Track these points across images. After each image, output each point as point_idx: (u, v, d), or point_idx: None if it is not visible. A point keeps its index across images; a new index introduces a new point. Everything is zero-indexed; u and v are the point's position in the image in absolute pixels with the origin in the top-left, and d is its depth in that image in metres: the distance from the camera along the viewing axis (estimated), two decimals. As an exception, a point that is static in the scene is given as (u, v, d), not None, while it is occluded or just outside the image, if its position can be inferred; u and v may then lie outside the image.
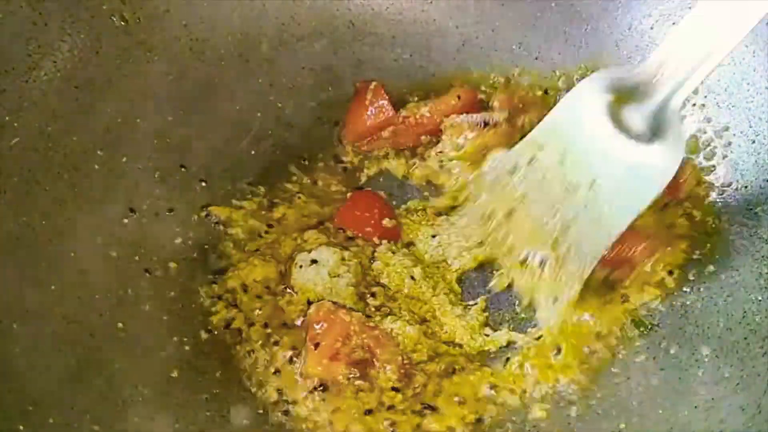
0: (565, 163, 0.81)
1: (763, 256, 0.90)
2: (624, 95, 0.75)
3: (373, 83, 1.04)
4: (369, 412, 0.85)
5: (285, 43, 1.06)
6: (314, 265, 0.93)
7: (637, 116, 0.75)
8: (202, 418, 0.85)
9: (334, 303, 0.89)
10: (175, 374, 0.88)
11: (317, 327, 0.87)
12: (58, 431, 0.78)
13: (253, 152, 1.05)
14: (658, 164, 0.76)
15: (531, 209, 0.85)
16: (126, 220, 0.94)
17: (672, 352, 0.88)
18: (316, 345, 0.86)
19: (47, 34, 0.92)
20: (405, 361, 0.87)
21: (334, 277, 0.92)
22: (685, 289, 0.92)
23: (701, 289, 0.92)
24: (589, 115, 0.76)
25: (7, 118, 0.88)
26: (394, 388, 0.86)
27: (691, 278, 0.93)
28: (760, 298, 0.87)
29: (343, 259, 0.94)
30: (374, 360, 0.87)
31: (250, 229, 0.99)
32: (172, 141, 1.00)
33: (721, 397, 0.82)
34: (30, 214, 0.88)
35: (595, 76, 0.78)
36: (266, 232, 0.99)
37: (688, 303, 0.91)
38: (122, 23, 0.97)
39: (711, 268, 0.92)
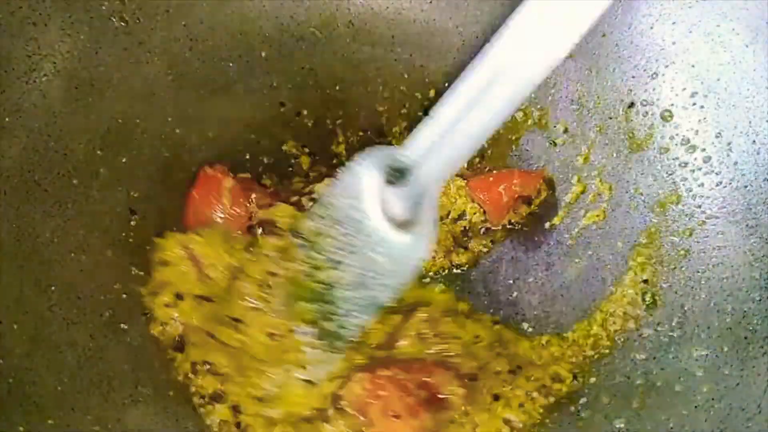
0: (340, 237, 0.84)
1: (763, 256, 0.90)
2: (393, 174, 0.79)
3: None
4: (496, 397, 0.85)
5: (285, 43, 1.06)
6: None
7: (400, 198, 0.78)
8: (201, 418, 0.85)
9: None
10: (175, 374, 0.88)
11: (377, 399, 0.83)
12: (58, 431, 0.78)
13: (254, 152, 1.05)
14: (407, 254, 0.81)
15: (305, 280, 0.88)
16: (126, 221, 0.94)
17: (672, 351, 0.88)
18: (397, 416, 0.83)
19: (47, 34, 0.92)
20: (461, 372, 0.87)
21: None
22: (685, 289, 0.93)
23: (701, 289, 0.92)
24: (362, 192, 0.80)
25: (7, 119, 0.88)
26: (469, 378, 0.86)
27: (691, 279, 0.93)
28: (759, 297, 0.87)
29: None
30: (437, 390, 0.85)
31: None
32: (172, 141, 1.00)
33: (721, 397, 0.82)
34: (30, 214, 0.88)
35: (371, 152, 0.80)
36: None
37: (687, 303, 0.92)
38: (122, 23, 0.97)
39: (710, 268, 0.92)
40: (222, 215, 0.97)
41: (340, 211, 0.82)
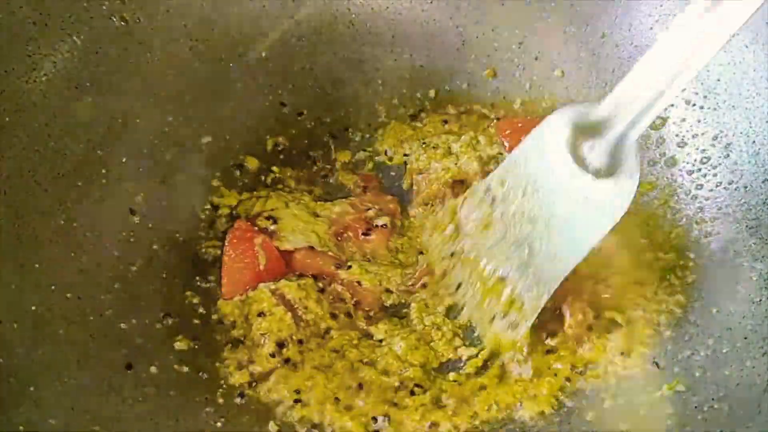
0: (527, 196, 0.85)
1: (763, 256, 0.90)
2: (585, 130, 0.79)
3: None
4: None
5: (285, 43, 1.06)
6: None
7: (596, 151, 0.79)
8: (202, 418, 0.85)
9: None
10: (175, 375, 0.88)
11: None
12: (58, 431, 0.78)
13: (255, 153, 1.05)
14: (612, 200, 0.81)
15: (496, 241, 0.90)
16: (126, 221, 0.94)
17: (672, 351, 0.88)
18: (304, 276, 0.95)
19: (47, 34, 0.92)
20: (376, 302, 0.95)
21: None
22: (684, 289, 0.93)
23: (701, 289, 0.92)
24: (552, 150, 0.80)
25: (7, 119, 0.88)
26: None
27: (691, 279, 0.93)
28: (759, 298, 0.87)
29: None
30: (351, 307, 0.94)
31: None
32: (172, 141, 1.00)
33: (722, 396, 0.82)
34: (30, 214, 0.88)
35: (559, 112, 0.81)
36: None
37: (687, 303, 0.92)
38: (122, 23, 0.97)
39: (711, 268, 0.92)
40: (262, 270, 0.95)
41: (529, 167, 0.84)
